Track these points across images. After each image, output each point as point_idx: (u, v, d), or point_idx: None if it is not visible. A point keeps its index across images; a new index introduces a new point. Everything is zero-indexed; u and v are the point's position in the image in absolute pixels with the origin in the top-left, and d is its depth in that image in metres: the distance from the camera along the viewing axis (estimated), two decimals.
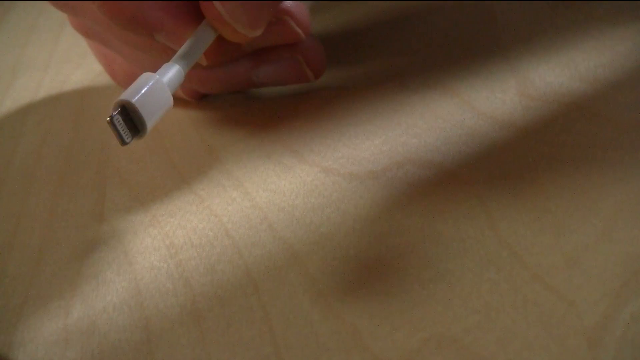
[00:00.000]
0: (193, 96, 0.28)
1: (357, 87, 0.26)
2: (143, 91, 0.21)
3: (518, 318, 0.18)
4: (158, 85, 0.22)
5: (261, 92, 0.27)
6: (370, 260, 0.20)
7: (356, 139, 0.24)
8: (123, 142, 0.21)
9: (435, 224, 0.20)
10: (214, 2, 0.23)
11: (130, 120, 0.21)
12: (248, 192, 0.23)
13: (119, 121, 0.21)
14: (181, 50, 0.23)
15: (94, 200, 0.24)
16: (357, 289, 0.19)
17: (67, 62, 0.32)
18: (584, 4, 0.27)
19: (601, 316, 0.17)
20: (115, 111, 0.21)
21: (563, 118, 0.23)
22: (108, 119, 0.20)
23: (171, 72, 0.22)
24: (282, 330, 0.19)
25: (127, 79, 0.29)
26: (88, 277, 0.21)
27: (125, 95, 0.21)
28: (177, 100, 0.28)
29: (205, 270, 0.21)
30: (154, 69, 0.26)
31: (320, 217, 0.21)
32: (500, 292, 0.18)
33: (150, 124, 0.21)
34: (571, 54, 0.25)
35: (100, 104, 0.29)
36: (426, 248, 0.20)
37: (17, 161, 0.27)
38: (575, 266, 0.18)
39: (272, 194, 0.23)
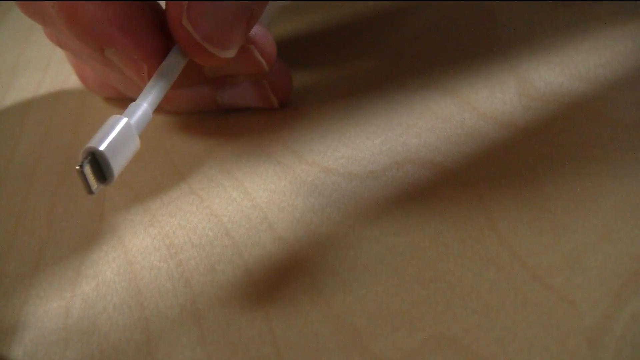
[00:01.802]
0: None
1: (356, 87, 0.26)
2: (112, 138, 0.20)
3: (518, 318, 0.18)
4: (126, 129, 0.20)
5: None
6: (370, 260, 0.20)
7: (356, 139, 0.24)
8: (90, 192, 0.19)
9: (435, 224, 0.20)
10: (183, 21, 0.22)
11: (98, 166, 0.20)
12: (248, 192, 0.23)
13: (87, 171, 0.19)
14: (148, 86, 0.22)
15: (94, 200, 0.24)
16: (357, 289, 0.19)
17: (67, 62, 0.32)
18: (584, 4, 0.27)
19: (601, 316, 0.17)
20: (85, 159, 0.19)
21: (563, 118, 0.23)
22: (77, 167, 0.19)
23: (138, 114, 0.21)
24: (282, 330, 0.19)
25: (97, 86, 0.29)
26: (88, 277, 0.21)
27: (93, 142, 0.20)
28: None
29: (205, 270, 0.21)
30: (120, 82, 0.26)
31: (320, 217, 0.21)
32: (500, 292, 0.18)
33: (117, 171, 0.20)
34: (571, 54, 0.25)
35: (100, 104, 0.29)
36: (426, 248, 0.20)
37: (17, 161, 0.27)
38: (575, 266, 0.18)
39: (272, 194, 0.23)
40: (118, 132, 0.20)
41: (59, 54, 0.33)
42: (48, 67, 0.32)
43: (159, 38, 0.23)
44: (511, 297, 0.18)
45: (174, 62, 0.23)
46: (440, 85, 0.25)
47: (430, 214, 0.21)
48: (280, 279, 0.20)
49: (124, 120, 0.21)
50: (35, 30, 0.35)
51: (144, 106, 0.21)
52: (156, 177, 0.24)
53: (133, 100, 0.22)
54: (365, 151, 0.23)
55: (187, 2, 0.22)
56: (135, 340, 0.19)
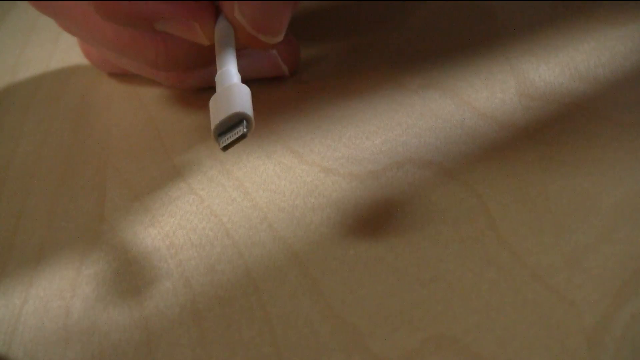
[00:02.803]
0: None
1: (356, 87, 0.26)
2: (249, 102, 0.22)
3: (518, 318, 0.18)
4: (246, 89, 0.22)
5: (261, 93, 0.27)
6: (370, 260, 0.20)
7: (356, 139, 0.24)
8: (244, 136, 0.21)
9: (435, 224, 0.20)
10: (235, 14, 0.23)
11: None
12: (248, 192, 0.23)
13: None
14: (220, 55, 0.23)
15: (94, 200, 0.24)
16: (357, 289, 0.19)
17: (67, 62, 0.32)
18: (584, 4, 0.27)
19: (601, 316, 0.17)
20: (243, 126, 0.21)
21: (563, 118, 0.23)
22: (244, 130, 0.21)
23: (237, 76, 0.23)
24: (282, 330, 0.19)
25: (100, 62, 0.30)
26: (88, 277, 0.21)
27: (242, 107, 0.22)
28: (177, 101, 0.28)
29: (205, 270, 0.21)
30: (133, 66, 0.27)
31: (320, 217, 0.21)
32: (500, 292, 0.18)
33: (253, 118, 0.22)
34: (571, 54, 0.25)
35: (100, 104, 0.29)
36: (426, 248, 0.20)
37: (17, 161, 0.27)
38: (575, 266, 0.18)
39: (272, 194, 0.23)
40: (246, 94, 0.22)
41: (59, 54, 0.33)
42: (48, 67, 0.32)
43: None
44: (511, 297, 0.18)
45: (227, 28, 0.24)
46: (440, 85, 0.25)
47: (430, 214, 0.21)
48: (280, 279, 0.20)
49: (242, 86, 0.22)
50: (35, 30, 0.35)
51: (233, 71, 0.23)
52: (156, 177, 0.24)
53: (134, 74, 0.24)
54: (365, 151, 0.23)
55: None
56: (135, 340, 0.19)
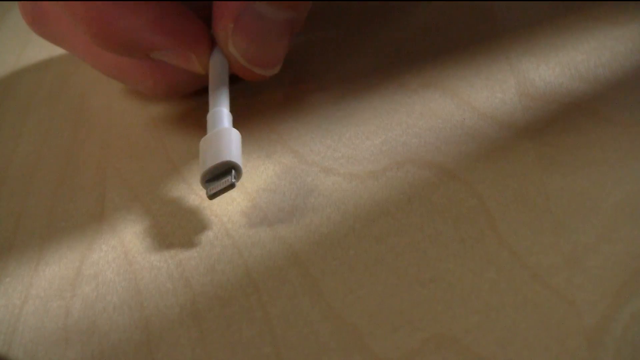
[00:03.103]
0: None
1: (356, 87, 0.26)
2: (238, 149, 0.22)
3: (518, 318, 0.18)
4: (235, 135, 0.23)
5: (260, 93, 0.27)
6: (370, 260, 0.20)
7: (356, 139, 0.24)
8: (233, 186, 0.22)
9: (435, 224, 0.20)
10: (229, 47, 0.23)
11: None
12: (248, 192, 0.23)
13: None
14: (213, 93, 0.24)
15: (94, 200, 0.24)
16: (357, 289, 0.19)
17: (67, 62, 0.32)
18: (584, 4, 0.27)
19: (601, 316, 0.17)
20: (231, 176, 0.22)
21: (563, 118, 0.23)
22: (233, 181, 0.21)
23: (228, 119, 0.23)
24: (282, 330, 0.19)
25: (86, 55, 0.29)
26: (88, 277, 0.21)
27: (227, 156, 0.22)
28: (177, 101, 0.28)
29: (205, 270, 0.21)
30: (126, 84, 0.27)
31: (320, 217, 0.21)
32: (500, 292, 0.18)
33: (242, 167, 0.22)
34: (571, 54, 0.25)
35: (100, 104, 0.29)
36: (426, 248, 0.20)
37: (17, 161, 0.27)
38: (575, 266, 0.18)
39: (272, 194, 0.23)
40: (235, 140, 0.22)
41: (59, 54, 0.33)
42: (48, 67, 0.32)
43: (197, 24, 0.24)
44: (511, 297, 0.18)
45: (221, 62, 0.24)
46: (440, 85, 0.25)
47: (430, 214, 0.21)
48: (280, 279, 0.20)
49: (233, 131, 0.22)
50: None
51: (224, 111, 0.23)
52: (156, 177, 0.24)
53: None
54: (365, 151, 0.23)
55: (232, 26, 0.23)
56: (135, 340, 0.19)
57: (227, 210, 0.22)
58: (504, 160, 0.22)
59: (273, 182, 0.23)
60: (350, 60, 0.28)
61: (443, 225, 0.20)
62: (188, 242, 0.22)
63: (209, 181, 0.22)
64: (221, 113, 0.23)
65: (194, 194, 0.23)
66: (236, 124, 0.25)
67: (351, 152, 0.24)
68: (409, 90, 0.26)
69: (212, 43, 0.24)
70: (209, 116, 0.23)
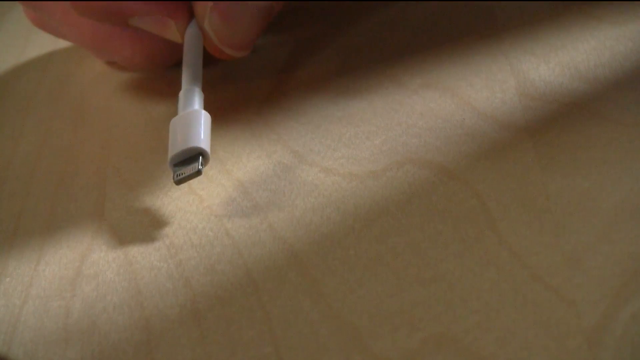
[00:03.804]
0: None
1: (356, 87, 0.26)
2: (208, 134, 0.22)
3: (518, 318, 0.18)
4: (205, 117, 0.23)
5: (260, 93, 0.27)
6: (370, 260, 0.20)
7: (356, 139, 0.24)
8: (199, 173, 0.22)
9: (435, 224, 0.20)
10: (205, 24, 0.23)
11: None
12: (248, 192, 0.23)
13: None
14: (185, 72, 0.24)
15: (94, 200, 0.24)
16: (357, 289, 0.19)
17: (67, 62, 0.32)
18: (584, 4, 0.27)
19: (601, 316, 0.17)
20: (198, 163, 0.22)
21: (563, 118, 0.23)
22: (200, 168, 0.21)
23: (199, 98, 0.23)
24: (282, 330, 0.19)
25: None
26: (88, 277, 0.21)
27: (195, 142, 0.22)
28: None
29: (205, 270, 0.21)
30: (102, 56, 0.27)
31: (320, 217, 0.21)
32: (500, 292, 0.18)
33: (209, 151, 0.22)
34: (571, 54, 0.25)
35: (100, 104, 0.29)
36: (426, 248, 0.20)
37: (17, 161, 0.27)
38: (575, 266, 0.18)
39: (272, 194, 0.23)
40: (205, 124, 0.22)
41: (59, 54, 0.33)
42: (48, 67, 0.32)
43: None
44: (511, 297, 0.18)
45: (196, 36, 0.24)
46: (440, 85, 0.25)
47: (430, 214, 0.21)
48: (280, 279, 0.20)
49: (202, 113, 0.23)
50: (35, 30, 0.35)
51: (195, 90, 0.23)
52: (156, 177, 0.24)
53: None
54: (365, 151, 0.23)
55: (210, 3, 0.23)
56: (135, 340, 0.19)
57: (227, 210, 0.22)
58: (504, 160, 0.22)
59: (273, 182, 0.23)
60: (350, 60, 0.28)
61: (443, 225, 0.20)
62: (188, 242, 0.22)
63: (177, 165, 0.22)
64: (193, 92, 0.23)
65: (193, 194, 0.23)
66: (236, 125, 0.25)
67: (351, 152, 0.24)
68: (409, 90, 0.26)
69: (191, 14, 0.25)
70: (181, 95, 0.23)
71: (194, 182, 0.24)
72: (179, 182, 0.22)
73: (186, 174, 0.22)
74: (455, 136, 0.23)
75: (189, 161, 0.22)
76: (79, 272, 0.22)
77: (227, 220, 0.22)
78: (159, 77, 0.29)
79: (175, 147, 0.22)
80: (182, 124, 0.22)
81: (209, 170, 0.24)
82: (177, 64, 0.28)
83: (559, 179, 0.21)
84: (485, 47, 0.27)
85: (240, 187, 0.23)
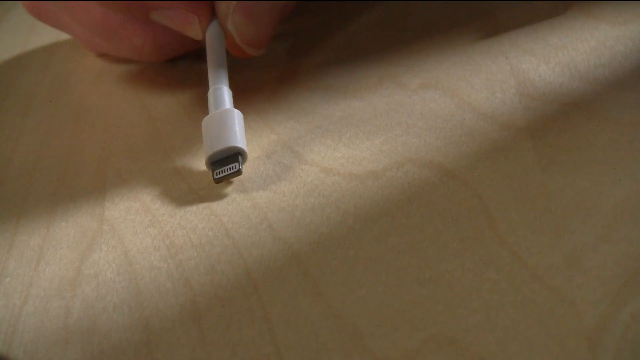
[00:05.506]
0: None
1: (356, 87, 0.26)
2: (243, 133, 0.23)
3: (518, 318, 0.18)
4: (238, 116, 0.23)
5: (261, 93, 0.27)
6: (370, 260, 0.20)
7: (356, 139, 0.24)
8: (240, 172, 0.22)
9: (435, 224, 0.20)
10: (228, 24, 0.24)
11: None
12: (248, 192, 0.23)
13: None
14: (212, 71, 0.24)
15: (94, 200, 0.24)
16: (357, 289, 0.19)
17: (67, 62, 0.32)
18: (583, 3, 0.27)
19: (601, 316, 0.17)
20: (239, 162, 0.22)
21: (563, 118, 0.23)
22: (239, 168, 0.22)
23: (229, 96, 0.24)
24: (282, 330, 0.19)
25: (85, 44, 0.30)
26: (88, 277, 0.21)
27: (237, 142, 0.22)
28: (177, 101, 0.28)
29: (205, 270, 0.21)
30: (103, 48, 0.27)
31: (320, 217, 0.21)
32: (500, 292, 0.18)
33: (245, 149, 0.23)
34: (571, 54, 0.25)
35: (100, 103, 0.29)
36: (426, 248, 0.20)
37: (17, 161, 0.27)
38: (575, 266, 0.18)
39: (272, 194, 0.23)
40: (239, 123, 0.23)
41: (59, 54, 0.33)
42: (48, 67, 0.32)
43: None
44: (511, 297, 0.18)
45: (218, 35, 0.25)
46: (440, 85, 0.25)
47: (430, 214, 0.21)
48: (280, 279, 0.20)
49: (235, 112, 0.23)
50: (35, 30, 0.35)
51: (224, 88, 0.24)
52: (156, 177, 0.24)
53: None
54: (365, 151, 0.23)
55: (233, 2, 0.23)
56: (135, 340, 0.19)
57: (227, 210, 0.22)
58: (504, 160, 0.22)
59: (273, 182, 0.23)
60: (350, 61, 0.28)
61: (443, 225, 0.20)
62: (188, 242, 0.22)
63: (215, 164, 0.22)
64: (222, 91, 0.23)
65: (194, 194, 0.23)
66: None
67: (351, 152, 0.24)
68: (409, 90, 0.26)
69: (213, 13, 0.25)
70: (210, 94, 0.23)
71: (194, 182, 0.24)
72: (218, 180, 0.22)
73: (226, 173, 0.22)
74: (455, 136, 0.23)
75: (226, 160, 0.22)
76: (79, 272, 0.22)
77: (227, 220, 0.22)
78: (159, 77, 0.29)
79: (212, 146, 0.22)
80: (216, 123, 0.22)
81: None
82: (180, 58, 0.28)
83: (559, 179, 0.21)
84: (485, 47, 0.27)
85: (240, 187, 0.23)
